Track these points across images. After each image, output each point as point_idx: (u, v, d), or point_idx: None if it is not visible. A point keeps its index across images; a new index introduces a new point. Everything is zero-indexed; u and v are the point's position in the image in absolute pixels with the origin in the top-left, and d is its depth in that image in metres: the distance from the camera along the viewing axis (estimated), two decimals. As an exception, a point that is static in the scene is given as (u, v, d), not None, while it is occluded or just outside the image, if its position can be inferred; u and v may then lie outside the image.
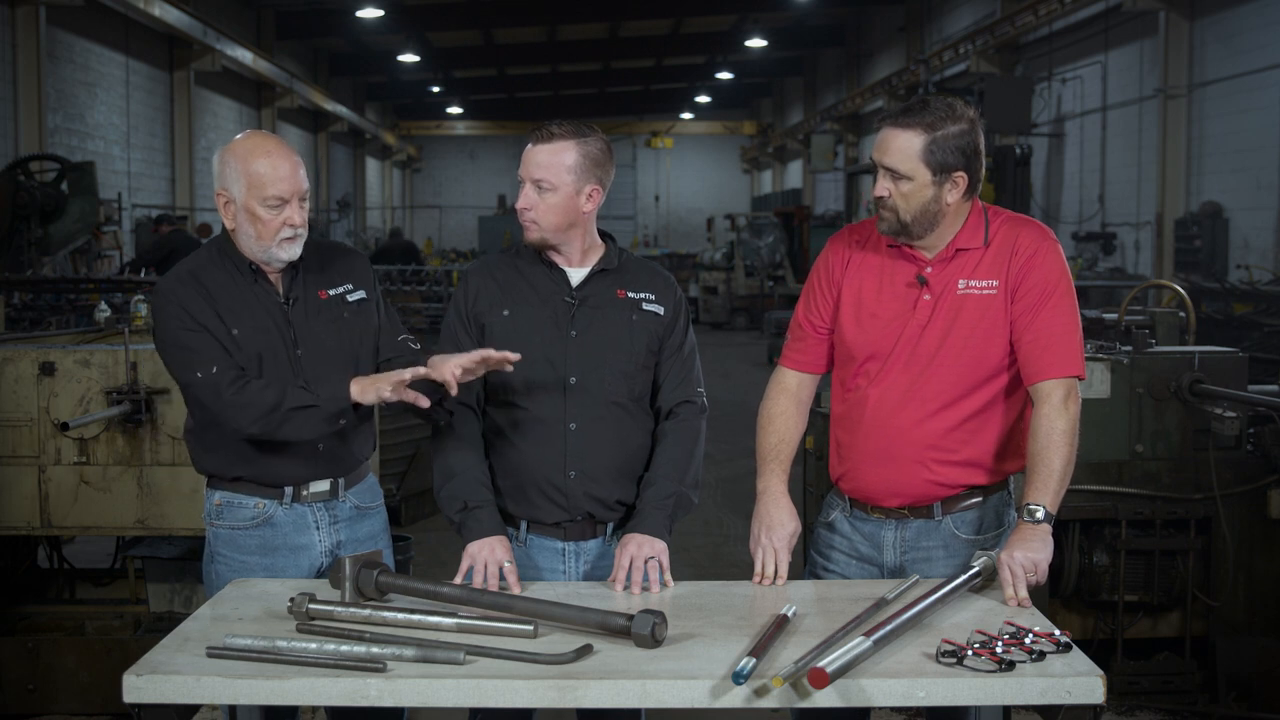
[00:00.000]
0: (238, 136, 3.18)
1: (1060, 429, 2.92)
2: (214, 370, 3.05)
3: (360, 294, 3.30)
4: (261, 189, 3.06)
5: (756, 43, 28.80)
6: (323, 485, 3.26)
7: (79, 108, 17.30)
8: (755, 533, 3.13)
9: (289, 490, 3.22)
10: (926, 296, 3.03)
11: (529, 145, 3.12)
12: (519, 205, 3.12)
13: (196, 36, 20.04)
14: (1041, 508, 2.88)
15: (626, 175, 42.67)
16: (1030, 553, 2.84)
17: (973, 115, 2.98)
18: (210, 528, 3.27)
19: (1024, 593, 2.81)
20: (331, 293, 3.25)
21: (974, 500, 3.10)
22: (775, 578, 3.06)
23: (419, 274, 18.19)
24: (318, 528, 3.26)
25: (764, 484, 3.17)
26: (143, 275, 8.89)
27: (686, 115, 42.37)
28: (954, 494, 3.08)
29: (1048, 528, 2.89)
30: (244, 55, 22.45)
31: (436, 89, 36.77)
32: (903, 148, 2.94)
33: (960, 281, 3.02)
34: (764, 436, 3.20)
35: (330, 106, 30.08)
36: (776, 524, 3.11)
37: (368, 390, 3.02)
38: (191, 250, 3.48)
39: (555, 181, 3.08)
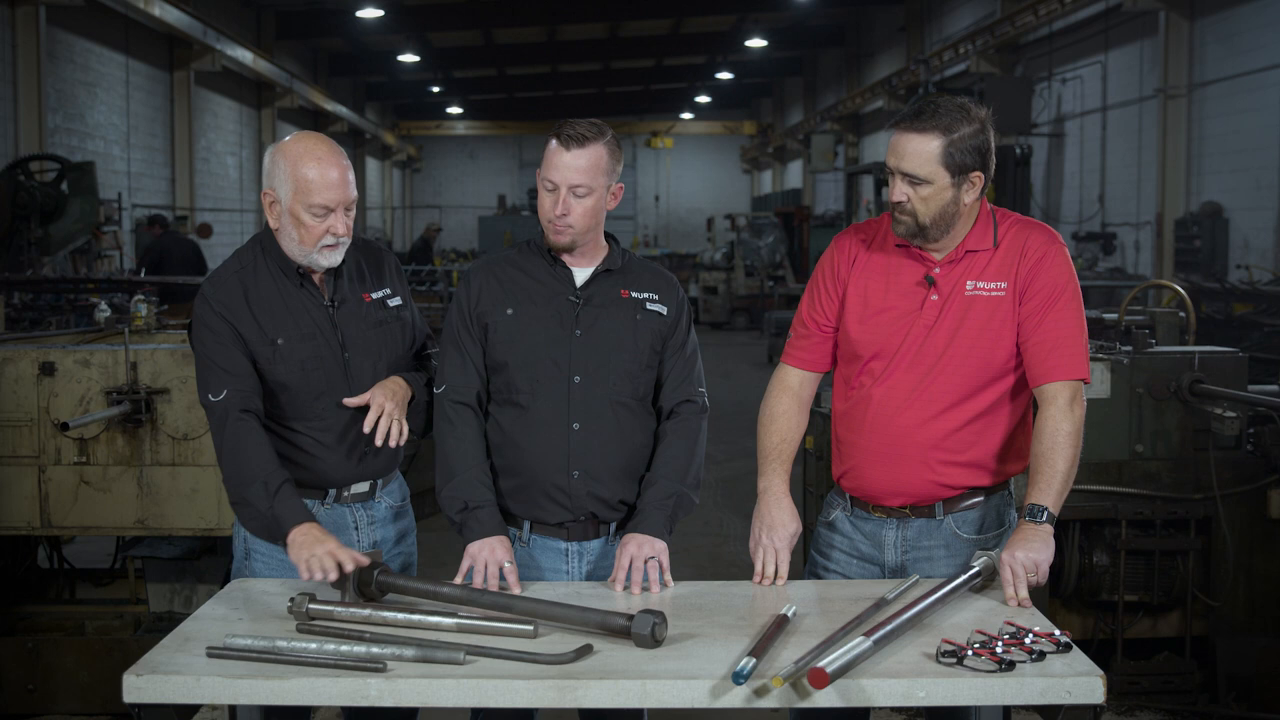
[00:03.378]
0: (293, 136, 3.15)
1: (1065, 431, 2.92)
2: (224, 395, 3.05)
3: (398, 299, 3.32)
4: (308, 195, 3.04)
5: (756, 43, 28.78)
6: (363, 486, 3.27)
7: (79, 108, 17.29)
8: (756, 533, 3.13)
9: (331, 491, 3.23)
10: (934, 297, 3.03)
11: (558, 148, 3.06)
12: (556, 212, 3.06)
13: (196, 36, 20.03)
14: (1044, 509, 2.89)
15: (627, 175, 42.44)
16: (1032, 553, 2.84)
17: (984, 115, 2.98)
18: None
19: (1024, 593, 2.81)
20: (375, 296, 3.26)
21: (976, 500, 3.10)
22: (775, 578, 3.07)
23: (418, 274, 18.14)
24: (356, 528, 3.26)
25: (765, 483, 3.16)
26: (142, 274, 8.90)
27: (686, 115, 42.34)
28: (956, 494, 3.08)
29: (1049, 529, 2.89)
30: (244, 55, 22.44)
31: (436, 89, 36.75)
32: (920, 152, 2.93)
33: (969, 283, 3.02)
34: (765, 436, 3.20)
35: (330, 106, 30.07)
36: (778, 524, 3.10)
37: (303, 549, 2.89)
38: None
39: (592, 185, 3.07)
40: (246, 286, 3.14)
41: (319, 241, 3.09)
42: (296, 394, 3.13)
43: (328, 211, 3.06)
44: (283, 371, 3.12)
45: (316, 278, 3.19)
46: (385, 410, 3.10)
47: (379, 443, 3.11)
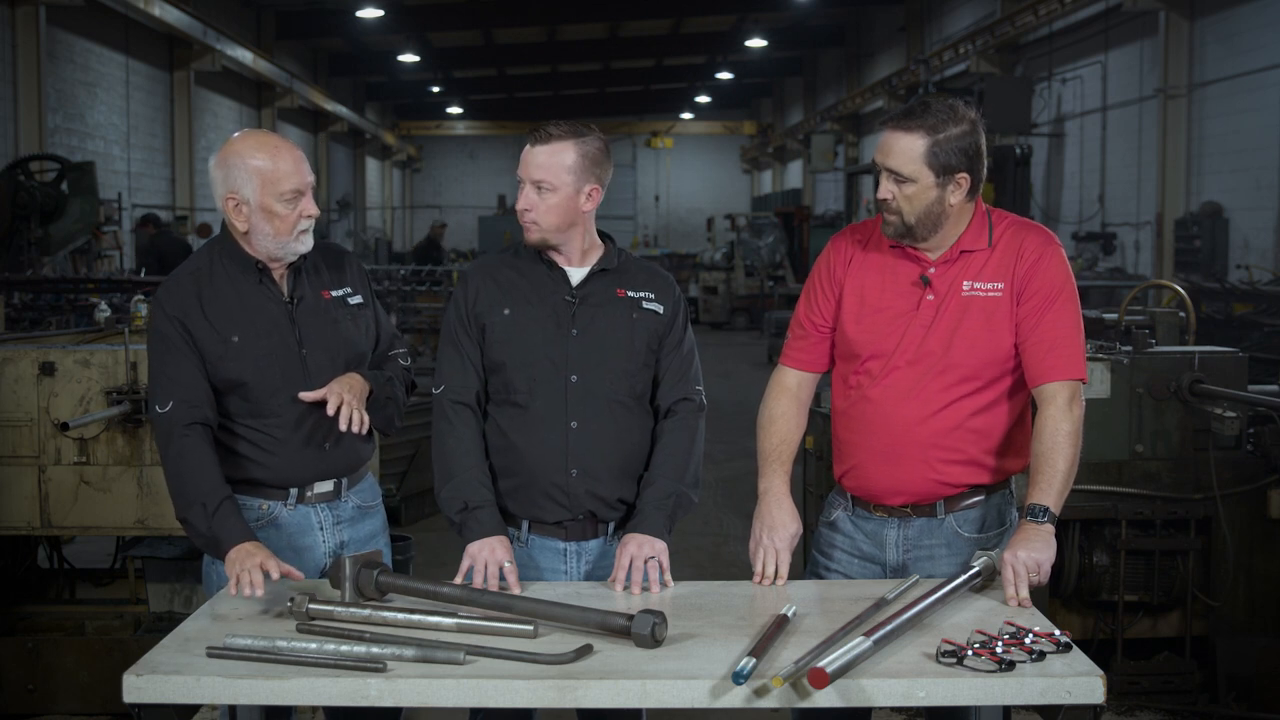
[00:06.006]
0: (234, 138, 3.17)
1: (1065, 431, 2.93)
2: (169, 407, 3.07)
3: (359, 298, 3.32)
4: (277, 185, 3.08)
5: (756, 43, 28.77)
6: (327, 486, 3.26)
7: (79, 108, 17.29)
8: (756, 533, 3.13)
9: (294, 492, 3.23)
10: (930, 297, 3.04)
11: (528, 146, 3.13)
12: (519, 206, 3.13)
13: (196, 36, 20.02)
14: (1045, 509, 2.89)
15: (626, 175, 42.60)
16: (1033, 553, 2.84)
17: (974, 116, 2.99)
18: None
19: (1025, 593, 2.82)
20: (334, 294, 3.27)
21: (977, 499, 3.11)
22: (775, 578, 3.07)
23: (421, 274, 18.08)
24: (321, 528, 3.26)
25: (766, 484, 3.17)
26: (143, 275, 8.90)
27: (686, 115, 42.32)
28: (957, 493, 3.09)
29: (1051, 529, 2.90)
30: (244, 55, 22.44)
31: (436, 89, 36.74)
32: (905, 150, 2.95)
33: (965, 283, 3.03)
34: (765, 437, 3.20)
35: (330, 106, 30.07)
36: (778, 525, 3.11)
37: (233, 565, 2.92)
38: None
39: (555, 182, 3.09)
40: (200, 286, 3.15)
41: (295, 227, 3.12)
42: (253, 390, 3.14)
43: (299, 195, 3.10)
44: (237, 369, 3.12)
45: (276, 274, 3.20)
46: (344, 400, 3.11)
47: (343, 426, 3.11)
